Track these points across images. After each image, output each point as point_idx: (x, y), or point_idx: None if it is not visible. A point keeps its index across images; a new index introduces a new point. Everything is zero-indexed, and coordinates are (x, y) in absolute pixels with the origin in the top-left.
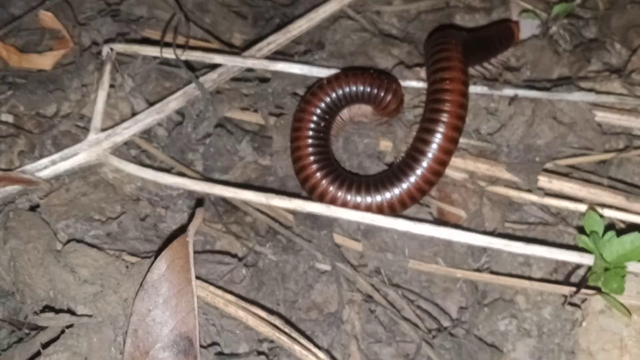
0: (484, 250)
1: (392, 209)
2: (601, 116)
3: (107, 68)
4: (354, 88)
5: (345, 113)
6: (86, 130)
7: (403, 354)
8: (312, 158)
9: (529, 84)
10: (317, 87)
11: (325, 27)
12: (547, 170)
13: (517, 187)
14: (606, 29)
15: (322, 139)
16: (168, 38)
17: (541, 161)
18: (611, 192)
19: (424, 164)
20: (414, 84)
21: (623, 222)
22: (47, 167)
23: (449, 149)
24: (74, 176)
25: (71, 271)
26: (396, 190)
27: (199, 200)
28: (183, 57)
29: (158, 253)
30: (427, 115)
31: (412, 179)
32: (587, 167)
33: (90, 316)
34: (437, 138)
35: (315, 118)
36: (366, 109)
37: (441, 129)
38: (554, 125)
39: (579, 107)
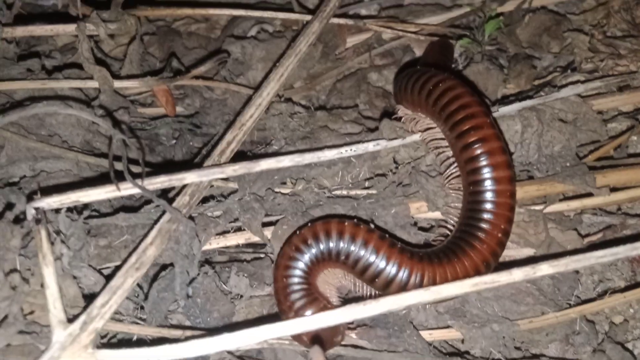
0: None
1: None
2: (597, 104)
3: (42, 235)
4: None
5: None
6: (41, 330)
7: None
8: None
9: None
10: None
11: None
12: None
13: (574, 197)
14: (517, 41)
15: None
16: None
17: (575, 163)
18: None
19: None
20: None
21: None
22: None
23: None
24: None
25: None
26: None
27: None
28: (136, 190)
29: None
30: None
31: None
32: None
33: None
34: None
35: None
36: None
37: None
38: (562, 127)
39: (574, 101)
